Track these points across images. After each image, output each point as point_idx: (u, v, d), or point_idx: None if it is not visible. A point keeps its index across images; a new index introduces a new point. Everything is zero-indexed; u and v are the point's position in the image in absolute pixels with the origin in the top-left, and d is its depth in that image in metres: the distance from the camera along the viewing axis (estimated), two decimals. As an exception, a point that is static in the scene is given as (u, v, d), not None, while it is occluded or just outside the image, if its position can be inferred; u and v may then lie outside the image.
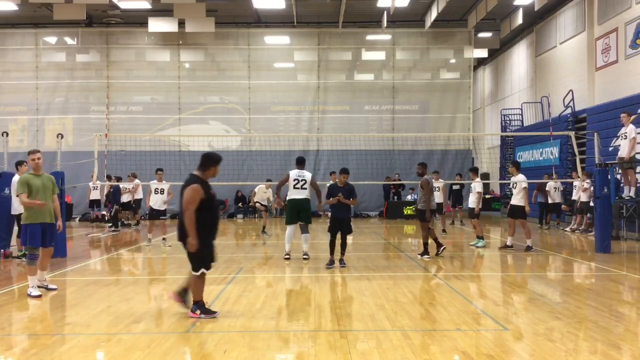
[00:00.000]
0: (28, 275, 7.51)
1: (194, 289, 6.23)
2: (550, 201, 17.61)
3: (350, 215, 10.28)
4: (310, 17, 24.37)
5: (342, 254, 10.14)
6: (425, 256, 10.92)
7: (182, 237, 6.00)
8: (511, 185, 12.72)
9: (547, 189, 17.53)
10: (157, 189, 13.73)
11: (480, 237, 12.85)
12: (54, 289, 7.73)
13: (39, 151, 7.85)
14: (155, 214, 13.74)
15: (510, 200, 12.67)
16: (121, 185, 18.13)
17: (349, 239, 10.48)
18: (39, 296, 7.28)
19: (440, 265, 10.28)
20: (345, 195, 9.88)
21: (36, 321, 6.25)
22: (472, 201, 12.96)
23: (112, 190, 18.10)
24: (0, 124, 23.33)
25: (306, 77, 25.35)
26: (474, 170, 13.62)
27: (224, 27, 24.34)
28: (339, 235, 10.06)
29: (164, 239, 13.83)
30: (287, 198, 10.76)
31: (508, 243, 12.33)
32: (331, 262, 9.97)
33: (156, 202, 13.67)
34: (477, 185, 13.02)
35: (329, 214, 11.15)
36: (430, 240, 11.25)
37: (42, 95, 24.62)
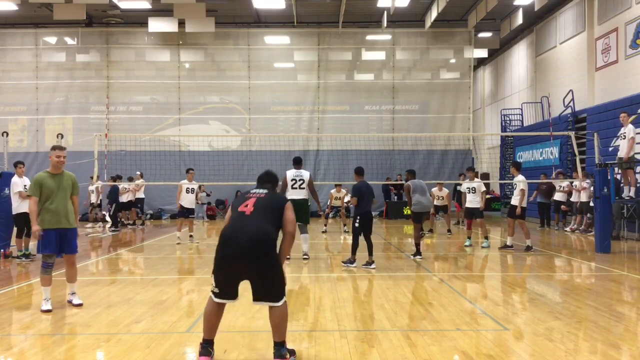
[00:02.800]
0: (41, 287, 6.74)
1: (285, 323, 4.65)
2: (559, 198, 17.59)
3: (354, 215, 10.15)
4: (310, 17, 24.38)
5: (351, 252, 10.09)
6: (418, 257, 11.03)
7: (264, 258, 4.51)
8: (513, 186, 12.70)
9: (557, 188, 17.51)
10: (189, 188, 14.13)
11: (485, 238, 12.93)
12: (79, 305, 6.87)
13: (65, 148, 6.93)
14: (185, 213, 14.17)
15: (511, 200, 12.68)
16: (120, 186, 18.16)
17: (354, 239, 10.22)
18: (49, 311, 6.57)
19: (440, 265, 10.28)
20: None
21: (36, 321, 6.25)
22: (477, 201, 12.90)
23: (110, 190, 18.14)
24: (0, 124, 23.35)
25: (306, 77, 25.34)
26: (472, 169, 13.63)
27: (224, 27, 24.34)
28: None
29: (190, 236, 14.25)
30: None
31: (508, 243, 12.34)
32: (366, 263, 9.96)
33: (188, 201, 14.10)
34: (481, 186, 13.01)
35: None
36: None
37: (42, 95, 24.62)
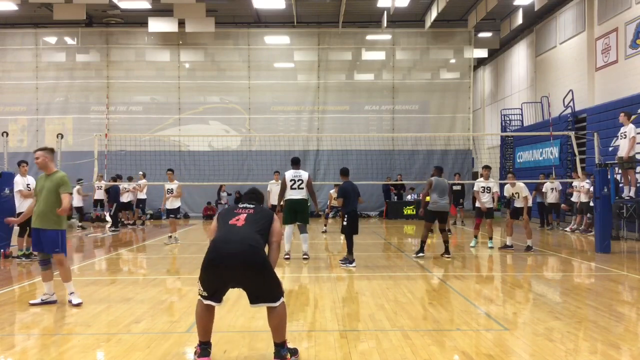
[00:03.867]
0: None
1: (284, 323, 4.65)
2: (547, 201, 17.61)
3: (345, 214, 10.37)
4: (310, 17, 24.38)
5: (347, 251, 10.31)
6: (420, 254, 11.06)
7: (257, 258, 4.50)
8: (511, 195, 12.56)
9: (543, 189, 17.53)
10: (168, 189, 14.15)
11: (490, 238, 12.90)
12: (78, 304, 6.84)
13: (39, 150, 7.03)
14: (167, 213, 14.18)
15: (514, 203, 12.63)
16: (121, 186, 18.16)
17: (354, 238, 10.53)
18: (35, 304, 6.81)
19: (440, 265, 10.28)
20: None
21: (36, 321, 6.25)
22: (490, 201, 12.69)
23: (110, 190, 18.15)
24: (0, 124, 23.36)
25: (306, 77, 25.36)
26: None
27: (224, 27, 24.35)
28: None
29: (174, 236, 14.11)
30: (285, 198, 10.82)
31: (508, 243, 12.33)
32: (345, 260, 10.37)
33: (167, 201, 14.10)
34: (495, 185, 12.96)
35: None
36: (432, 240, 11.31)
37: (42, 95, 24.63)
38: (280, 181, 16.27)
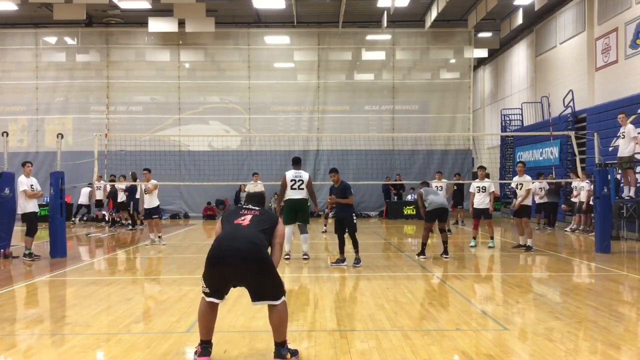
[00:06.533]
0: None
1: (285, 322, 4.68)
2: (539, 201, 17.60)
3: (349, 213, 10.17)
4: (310, 17, 24.37)
5: (355, 252, 10.19)
6: (421, 256, 11.01)
7: (259, 256, 4.55)
8: (516, 187, 12.57)
9: (533, 190, 17.47)
10: (145, 188, 14.00)
11: (491, 238, 12.88)
12: None
13: None
14: (147, 214, 14.00)
15: (516, 199, 12.62)
16: (121, 185, 18.23)
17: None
18: None
19: (440, 265, 10.28)
20: (338, 195, 10.16)
21: (36, 321, 6.25)
22: (486, 202, 12.60)
23: (130, 189, 18.33)
24: (0, 124, 23.35)
25: (306, 77, 25.34)
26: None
27: (224, 27, 24.33)
28: (347, 235, 10.31)
29: (159, 237, 13.94)
30: (285, 198, 10.81)
31: (521, 242, 12.32)
32: (337, 261, 10.29)
33: (146, 202, 13.96)
34: (491, 185, 12.96)
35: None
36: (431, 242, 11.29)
37: (42, 95, 24.61)
38: (259, 183, 16.36)
